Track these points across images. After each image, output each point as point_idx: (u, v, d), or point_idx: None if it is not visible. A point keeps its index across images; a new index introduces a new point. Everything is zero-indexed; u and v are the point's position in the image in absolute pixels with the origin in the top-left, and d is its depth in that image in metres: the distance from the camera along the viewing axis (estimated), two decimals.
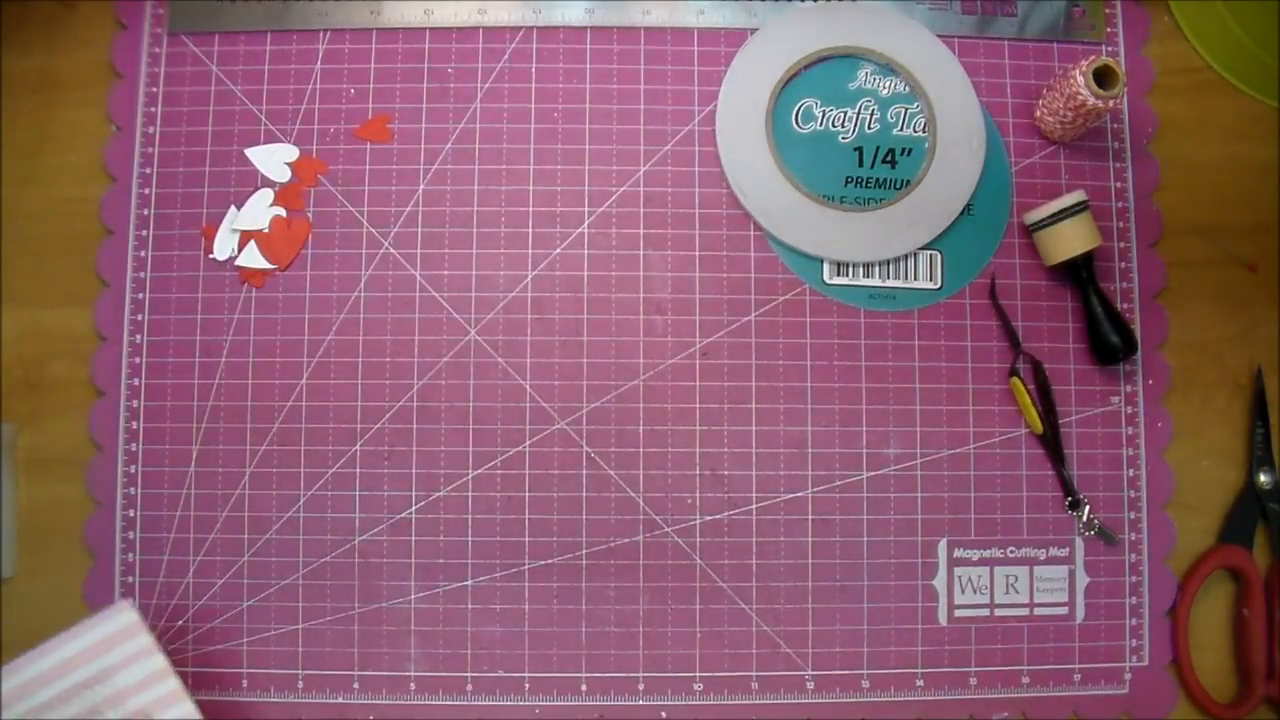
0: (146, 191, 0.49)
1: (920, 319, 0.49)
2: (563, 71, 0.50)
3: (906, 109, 0.50)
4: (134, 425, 0.48)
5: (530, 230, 0.49)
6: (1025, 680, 0.47)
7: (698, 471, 0.48)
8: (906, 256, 0.49)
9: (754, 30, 0.50)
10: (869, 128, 0.50)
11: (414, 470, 0.47)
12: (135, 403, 0.48)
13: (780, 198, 0.49)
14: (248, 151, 0.49)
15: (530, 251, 0.49)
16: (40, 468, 0.48)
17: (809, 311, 0.49)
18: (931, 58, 0.50)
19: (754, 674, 0.47)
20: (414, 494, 0.47)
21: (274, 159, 0.49)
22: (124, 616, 0.42)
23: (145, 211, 0.49)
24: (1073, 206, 0.47)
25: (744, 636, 0.47)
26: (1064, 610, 0.48)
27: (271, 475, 0.47)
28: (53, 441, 0.48)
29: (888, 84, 0.50)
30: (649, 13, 0.51)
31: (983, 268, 0.50)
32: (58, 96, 0.50)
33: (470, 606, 0.47)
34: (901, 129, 0.50)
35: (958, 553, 0.48)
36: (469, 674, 0.47)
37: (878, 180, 0.49)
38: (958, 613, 0.48)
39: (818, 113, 0.50)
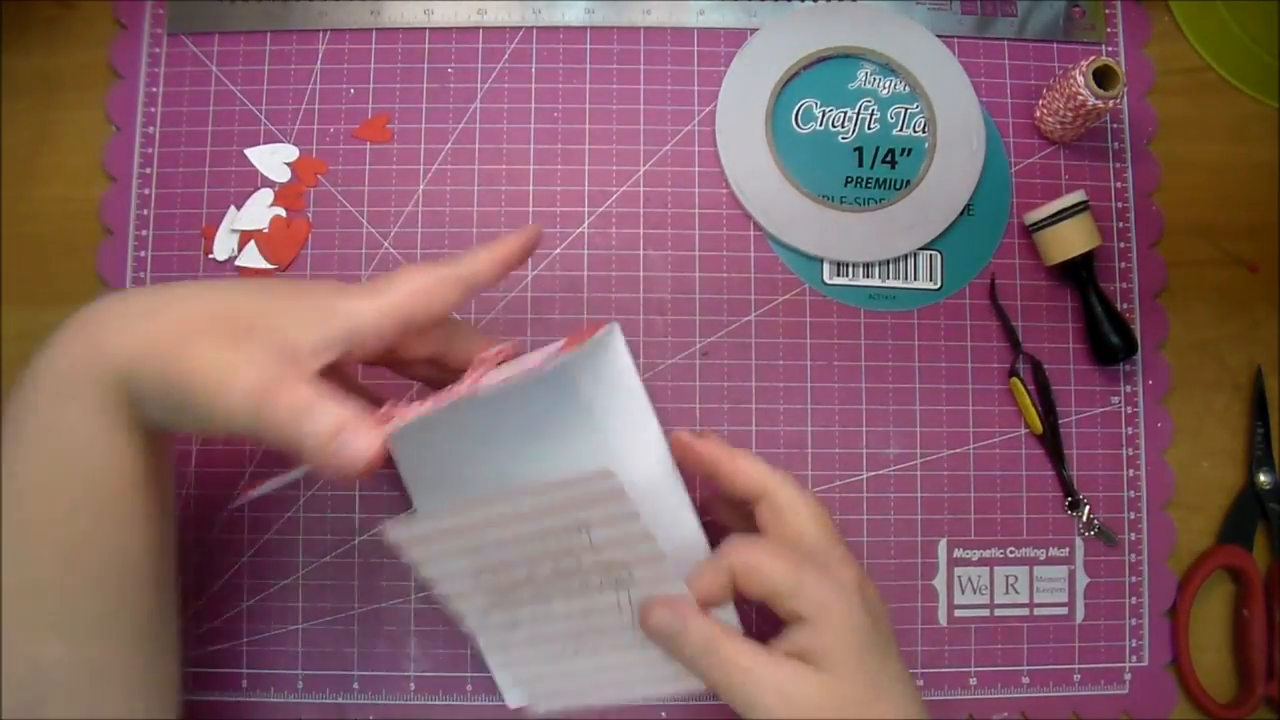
0: (146, 191, 0.49)
1: (920, 319, 0.49)
2: (563, 71, 0.50)
3: (906, 109, 0.50)
4: None
5: None
6: (1025, 680, 0.47)
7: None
8: (906, 256, 0.49)
9: (754, 30, 0.50)
10: (869, 128, 0.50)
11: None
12: None
13: (780, 198, 0.49)
14: (248, 151, 0.49)
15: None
16: None
17: (809, 311, 0.49)
18: (931, 58, 0.50)
19: None
20: None
21: (274, 159, 0.49)
22: (609, 483, 0.35)
23: (145, 211, 0.49)
24: (1073, 207, 0.47)
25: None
26: (1064, 610, 0.48)
27: (271, 475, 0.47)
28: None
29: (888, 84, 0.50)
30: (649, 13, 0.51)
31: (983, 268, 0.50)
32: (58, 97, 0.50)
33: None
34: (901, 129, 0.50)
35: (958, 553, 0.48)
36: (469, 674, 0.47)
37: (878, 180, 0.49)
38: (957, 613, 0.48)
39: (818, 113, 0.50)
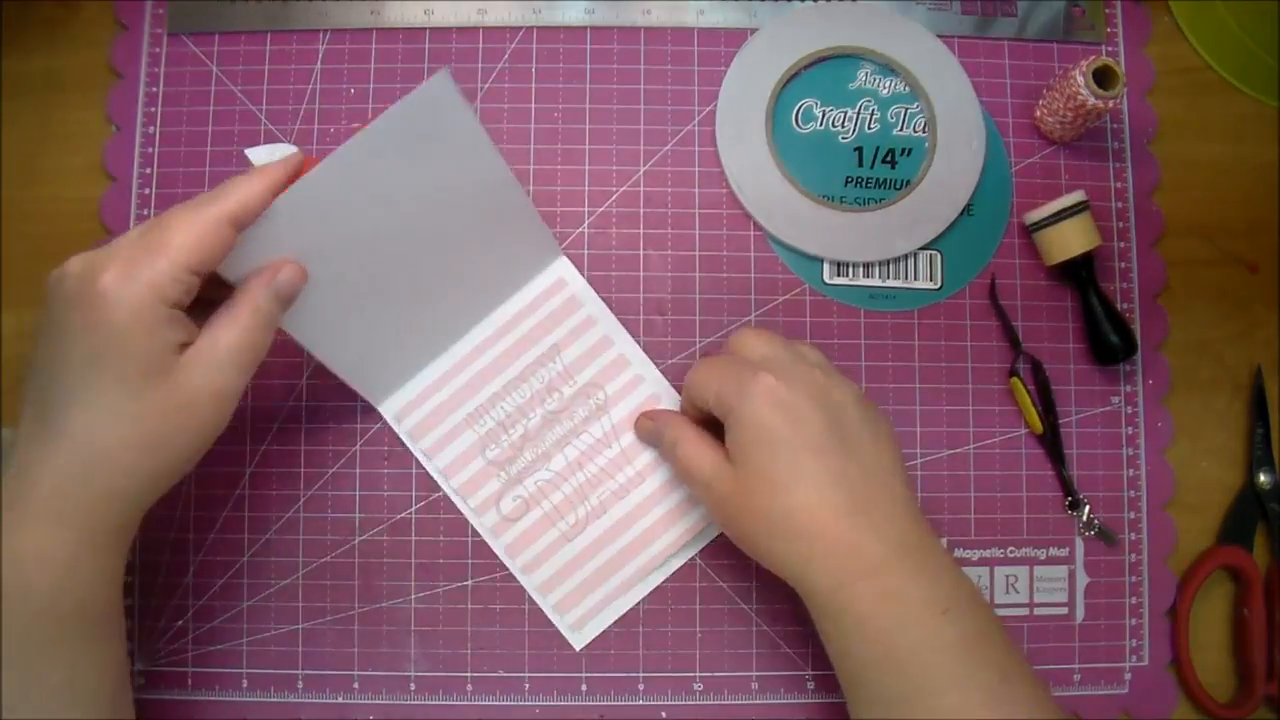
0: (146, 191, 0.49)
1: (920, 319, 0.49)
2: (563, 71, 0.50)
3: (906, 109, 0.50)
4: None
5: None
6: None
7: None
8: (906, 256, 0.49)
9: (754, 30, 0.50)
10: (869, 128, 0.50)
11: (414, 470, 0.47)
12: None
13: (780, 198, 0.49)
14: (248, 151, 0.49)
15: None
16: None
17: (809, 311, 0.49)
18: (931, 58, 0.50)
19: (754, 674, 0.47)
20: (414, 494, 0.47)
21: (274, 159, 0.49)
22: (566, 293, 0.47)
23: (145, 211, 0.49)
24: (1073, 206, 0.47)
25: (744, 636, 0.47)
26: (1064, 610, 0.48)
27: (271, 475, 0.47)
28: None
29: (888, 84, 0.50)
30: (649, 13, 0.51)
31: (983, 268, 0.50)
32: (58, 97, 0.50)
33: (470, 606, 0.47)
34: (901, 129, 0.50)
35: (958, 552, 0.48)
36: (469, 674, 0.47)
37: (878, 180, 0.49)
38: None
39: (818, 113, 0.50)
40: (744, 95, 0.50)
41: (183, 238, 0.34)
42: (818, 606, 0.38)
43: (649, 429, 0.45)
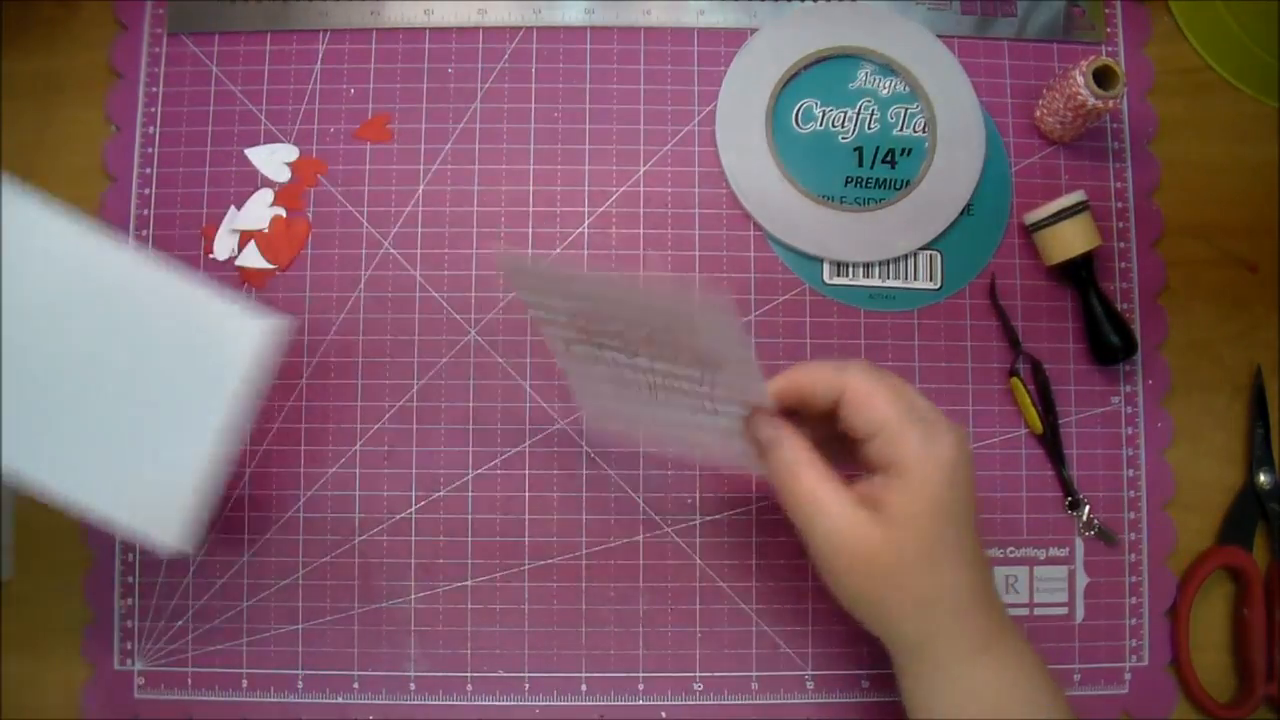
0: (146, 191, 0.49)
1: (920, 319, 0.49)
2: (563, 71, 0.50)
3: (906, 109, 0.50)
4: None
5: (530, 230, 0.49)
6: None
7: (697, 471, 0.48)
8: (906, 256, 0.49)
9: (754, 30, 0.50)
10: (869, 128, 0.50)
11: (414, 470, 0.47)
12: None
13: (780, 198, 0.49)
14: (248, 151, 0.49)
15: (530, 251, 0.49)
16: None
17: (809, 312, 0.49)
18: (931, 58, 0.50)
19: (754, 674, 0.47)
20: (414, 494, 0.47)
21: (274, 159, 0.49)
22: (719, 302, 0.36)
23: (145, 211, 0.49)
24: (1073, 206, 0.47)
25: (744, 636, 0.47)
26: (1064, 610, 0.48)
27: (271, 475, 0.47)
28: None
29: (888, 84, 0.50)
30: (649, 13, 0.51)
31: (982, 268, 0.50)
32: (58, 97, 0.50)
33: (470, 606, 0.47)
34: (901, 129, 0.50)
35: None
36: (469, 674, 0.47)
37: (878, 180, 0.49)
38: None
39: (818, 113, 0.50)
40: (744, 95, 0.50)
41: None
42: (931, 674, 0.37)
43: (763, 432, 0.38)
